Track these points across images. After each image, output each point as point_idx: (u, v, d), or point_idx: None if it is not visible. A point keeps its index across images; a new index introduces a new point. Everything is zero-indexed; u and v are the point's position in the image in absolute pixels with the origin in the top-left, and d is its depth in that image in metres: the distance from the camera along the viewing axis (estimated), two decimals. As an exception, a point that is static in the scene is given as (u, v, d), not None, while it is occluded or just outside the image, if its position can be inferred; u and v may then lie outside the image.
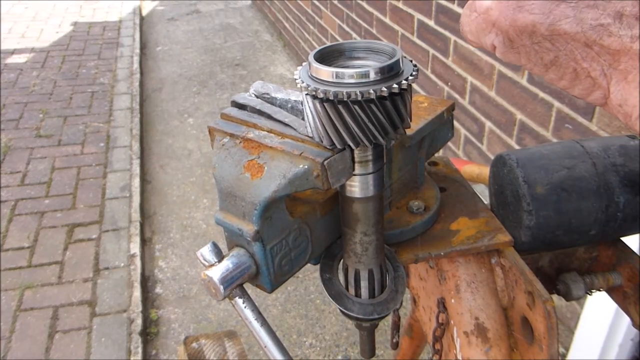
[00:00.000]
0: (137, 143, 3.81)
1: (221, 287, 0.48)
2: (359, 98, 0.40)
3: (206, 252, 0.49)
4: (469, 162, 0.99)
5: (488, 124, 2.13)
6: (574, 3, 0.29)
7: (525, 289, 0.58)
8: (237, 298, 0.51)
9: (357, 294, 0.56)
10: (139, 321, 2.39)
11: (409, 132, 0.60)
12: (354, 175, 0.48)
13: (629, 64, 0.29)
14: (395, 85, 0.40)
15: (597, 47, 0.29)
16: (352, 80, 0.40)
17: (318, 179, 0.46)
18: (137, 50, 5.45)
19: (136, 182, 3.37)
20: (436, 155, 0.74)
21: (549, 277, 0.72)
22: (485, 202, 0.70)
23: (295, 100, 0.51)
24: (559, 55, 0.32)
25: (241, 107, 0.54)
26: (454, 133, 0.76)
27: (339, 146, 0.45)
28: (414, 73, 0.42)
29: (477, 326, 0.62)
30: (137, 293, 2.53)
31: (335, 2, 3.66)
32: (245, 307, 0.51)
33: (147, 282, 2.71)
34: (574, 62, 0.31)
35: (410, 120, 0.46)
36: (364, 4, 3.15)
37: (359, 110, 0.41)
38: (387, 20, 2.86)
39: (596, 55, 0.30)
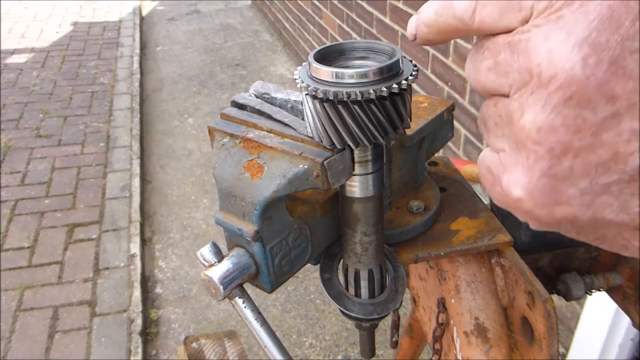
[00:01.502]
0: (137, 143, 3.81)
1: (221, 287, 0.48)
2: (359, 98, 0.40)
3: (206, 252, 0.49)
4: (469, 162, 0.99)
5: (488, 124, 2.13)
6: (617, 192, 0.26)
7: (525, 289, 0.58)
8: (237, 298, 0.51)
9: (357, 294, 0.56)
10: (139, 321, 2.39)
11: (409, 132, 0.59)
12: (354, 175, 0.48)
13: None
14: (395, 86, 0.40)
15: None
16: (352, 80, 0.40)
17: (318, 179, 0.46)
18: (137, 50, 5.45)
19: (136, 182, 3.37)
20: (436, 155, 0.74)
21: (549, 277, 0.72)
22: (485, 202, 0.70)
23: (295, 100, 0.51)
24: (605, 234, 0.28)
25: (241, 107, 0.54)
26: (454, 133, 0.76)
27: (338, 146, 0.45)
28: (413, 73, 0.42)
29: (477, 326, 0.62)
30: (137, 293, 2.53)
31: (335, 2, 3.66)
32: (245, 307, 0.51)
33: (147, 282, 2.71)
34: (623, 239, 0.28)
35: (410, 120, 0.46)
36: (364, 4, 3.15)
37: (359, 110, 0.41)
38: (387, 20, 2.86)
39: None
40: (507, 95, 0.28)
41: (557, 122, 0.25)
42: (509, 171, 0.29)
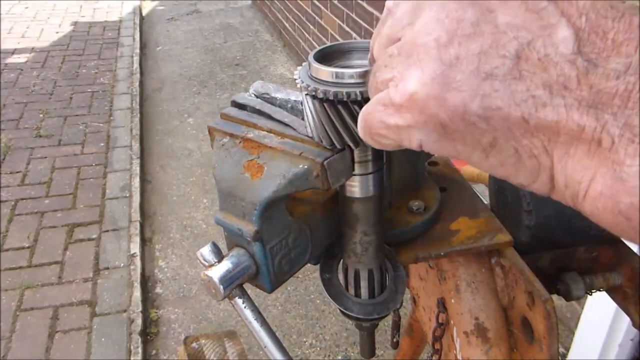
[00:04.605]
0: (137, 143, 3.81)
1: (221, 287, 0.48)
2: (359, 98, 0.40)
3: (206, 252, 0.49)
4: (469, 162, 0.98)
5: (488, 124, 2.13)
6: (501, 77, 0.28)
7: (525, 289, 0.58)
8: (236, 298, 0.51)
9: (357, 294, 0.56)
10: (139, 321, 2.39)
11: (409, 132, 0.59)
12: (354, 175, 0.48)
13: (569, 135, 0.28)
14: (395, 85, 0.40)
15: (533, 120, 0.28)
16: (352, 80, 0.40)
17: (318, 179, 0.46)
18: (137, 50, 5.45)
19: (136, 182, 3.37)
20: (436, 155, 0.74)
21: (549, 277, 0.72)
22: (485, 202, 0.70)
23: (295, 100, 0.51)
24: (497, 135, 0.30)
25: (241, 107, 0.54)
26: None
27: (338, 146, 0.45)
28: (413, 73, 0.42)
29: (477, 326, 0.62)
30: (137, 293, 2.53)
31: (335, 2, 3.66)
32: (245, 307, 0.51)
33: (147, 282, 2.71)
34: (514, 140, 0.29)
35: (410, 120, 0.46)
36: (364, 4, 3.15)
37: (359, 110, 0.41)
38: (387, 20, 2.86)
39: (535, 130, 0.28)
40: (399, 39, 0.33)
41: (441, 15, 0.29)
42: (403, 79, 0.31)
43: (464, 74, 0.29)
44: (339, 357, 2.27)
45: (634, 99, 0.26)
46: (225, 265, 0.49)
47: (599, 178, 0.27)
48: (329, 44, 0.46)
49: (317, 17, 4.16)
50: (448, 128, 0.30)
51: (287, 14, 5.10)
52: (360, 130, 0.36)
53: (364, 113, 0.35)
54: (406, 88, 0.30)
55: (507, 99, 0.28)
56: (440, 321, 0.67)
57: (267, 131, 0.50)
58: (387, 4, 0.35)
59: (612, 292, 0.73)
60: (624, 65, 0.26)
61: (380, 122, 0.33)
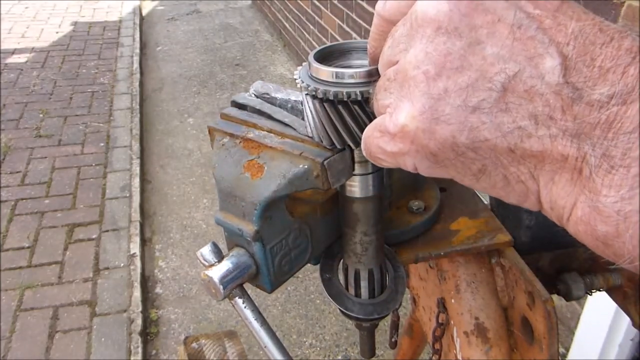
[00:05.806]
0: (137, 143, 3.81)
1: (221, 287, 0.48)
2: (359, 98, 0.40)
3: (206, 252, 0.49)
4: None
5: (488, 124, 2.13)
6: (487, 109, 0.29)
7: (525, 289, 0.58)
8: (237, 298, 0.51)
9: (357, 294, 0.56)
10: (139, 321, 2.39)
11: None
12: (354, 175, 0.48)
13: (554, 164, 0.29)
14: (395, 85, 0.40)
15: (519, 150, 0.29)
16: (352, 80, 0.40)
17: (318, 179, 0.46)
18: (137, 50, 5.45)
19: (136, 182, 3.37)
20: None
21: (549, 277, 0.72)
22: (485, 202, 0.70)
23: (295, 100, 0.51)
24: (485, 163, 0.31)
25: (241, 107, 0.54)
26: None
27: (339, 146, 0.45)
28: (414, 73, 0.42)
29: (477, 326, 0.62)
30: (137, 293, 2.53)
31: (335, 2, 3.66)
32: (245, 307, 0.51)
33: (147, 282, 2.71)
34: (502, 168, 0.31)
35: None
36: (364, 4, 3.15)
37: (359, 110, 0.41)
38: (387, 20, 2.86)
39: (521, 158, 0.30)
40: (397, 62, 0.33)
41: (430, 48, 0.30)
42: (396, 110, 0.32)
43: (452, 107, 0.29)
44: (339, 357, 2.27)
45: (614, 130, 0.26)
46: (225, 265, 0.49)
47: (579, 204, 0.28)
48: (329, 44, 0.46)
49: (317, 17, 4.16)
50: (438, 157, 0.32)
51: (287, 14, 5.10)
52: (362, 150, 0.37)
53: (365, 136, 0.36)
54: (398, 120, 0.32)
55: (494, 131, 0.29)
56: (440, 321, 0.67)
57: (267, 131, 0.50)
58: (377, 7, 0.36)
59: (612, 292, 0.73)
60: (607, 96, 0.26)
61: (378, 147, 0.34)
